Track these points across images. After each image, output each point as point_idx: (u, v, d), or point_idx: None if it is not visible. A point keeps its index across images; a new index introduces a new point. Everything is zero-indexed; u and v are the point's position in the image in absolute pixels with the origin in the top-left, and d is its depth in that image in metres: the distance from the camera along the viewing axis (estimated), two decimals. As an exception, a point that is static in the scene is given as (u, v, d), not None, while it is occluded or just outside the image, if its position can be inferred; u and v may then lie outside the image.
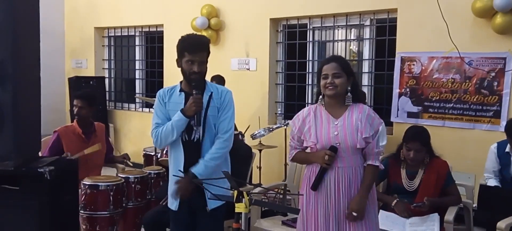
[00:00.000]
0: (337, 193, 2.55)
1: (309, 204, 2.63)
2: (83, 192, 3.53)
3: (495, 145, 3.56)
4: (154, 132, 2.81)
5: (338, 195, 2.55)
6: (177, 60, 2.80)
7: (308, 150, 2.67)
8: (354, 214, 2.53)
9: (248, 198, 2.12)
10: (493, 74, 4.18)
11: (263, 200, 4.51)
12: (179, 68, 2.80)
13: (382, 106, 4.95)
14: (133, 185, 3.74)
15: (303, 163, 2.83)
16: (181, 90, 2.81)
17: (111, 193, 3.55)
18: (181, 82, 2.86)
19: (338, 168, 2.55)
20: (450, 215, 3.13)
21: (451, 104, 4.40)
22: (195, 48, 2.73)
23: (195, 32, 4.36)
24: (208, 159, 2.72)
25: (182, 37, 2.82)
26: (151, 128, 2.84)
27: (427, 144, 3.27)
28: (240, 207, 2.12)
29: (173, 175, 2.75)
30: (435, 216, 3.11)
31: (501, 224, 2.96)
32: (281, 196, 4.79)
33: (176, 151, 2.80)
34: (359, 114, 2.55)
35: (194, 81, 2.73)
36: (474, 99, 4.28)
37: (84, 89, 6.13)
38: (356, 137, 2.52)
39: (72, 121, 4.20)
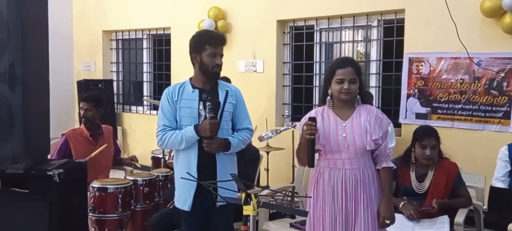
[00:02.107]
0: (344, 195, 2.53)
1: (316, 206, 2.61)
2: (91, 195, 3.54)
3: (506, 147, 3.51)
4: (160, 133, 2.78)
5: (345, 197, 2.53)
6: (193, 55, 2.77)
7: (316, 155, 2.63)
8: (387, 221, 2.54)
9: (256, 200, 2.11)
10: (502, 74, 4.14)
11: (271, 202, 4.50)
12: (196, 65, 2.77)
13: (390, 108, 4.92)
14: (141, 188, 3.75)
15: (301, 152, 2.72)
16: (193, 87, 2.79)
17: (120, 196, 3.56)
18: (190, 79, 2.84)
19: (345, 169, 2.52)
20: (460, 217, 3.10)
21: (460, 105, 4.37)
22: (217, 41, 2.75)
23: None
24: (241, 138, 2.81)
25: (198, 32, 2.82)
26: (157, 128, 2.82)
27: (439, 141, 3.27)
28: (248, 210, 2.11)
29: (181, 178, 2.69)
30: (445, 218, 3.09)
31: (512, 226, 2.93)
32: (289, 198, 4.77)
33: (189, 149, 2.75)
34: (367, 116, 2.53)
35: (215, 78, 2.75)
36: (483, 100, 4.24)
37: (92, 92, 6.16)
38: (365, 138, 2.50)
39: (80, 124, 4.22)
